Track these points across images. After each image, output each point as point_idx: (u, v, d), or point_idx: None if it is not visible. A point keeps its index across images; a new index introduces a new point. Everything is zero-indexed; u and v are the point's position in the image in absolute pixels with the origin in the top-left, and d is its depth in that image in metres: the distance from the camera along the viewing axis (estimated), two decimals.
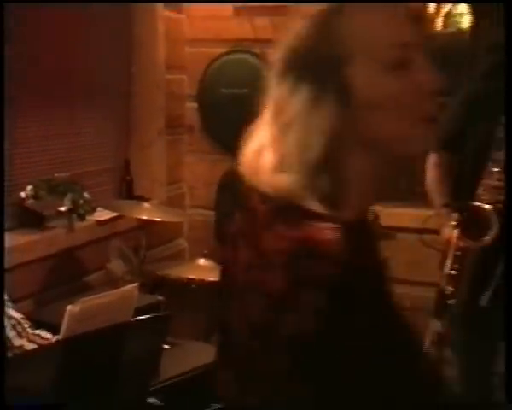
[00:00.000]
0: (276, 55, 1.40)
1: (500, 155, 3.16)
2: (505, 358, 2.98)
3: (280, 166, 1.36)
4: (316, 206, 1.34)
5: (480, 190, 3.18)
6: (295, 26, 1.40)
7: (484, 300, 3.10)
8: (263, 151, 1.40)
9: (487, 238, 3.07)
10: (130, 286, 2.93)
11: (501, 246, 3.06)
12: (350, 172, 1.38)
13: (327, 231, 1.30)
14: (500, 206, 3.11)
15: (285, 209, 1.35)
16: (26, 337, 2.83)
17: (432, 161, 3.58)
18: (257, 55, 5.10)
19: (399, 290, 4.63)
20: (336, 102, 1.33)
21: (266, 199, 1.38)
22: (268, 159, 1.38)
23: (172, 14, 5.10)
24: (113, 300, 2.77)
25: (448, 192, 3.46)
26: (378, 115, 1.35)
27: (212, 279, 3.98)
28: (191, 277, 4.05)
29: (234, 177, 1.70)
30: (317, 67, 1.34)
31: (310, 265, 1.28)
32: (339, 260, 1.28)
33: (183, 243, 5.23)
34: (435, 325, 3.00)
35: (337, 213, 1.35)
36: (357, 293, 1.29)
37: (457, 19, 6.32)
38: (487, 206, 3.12)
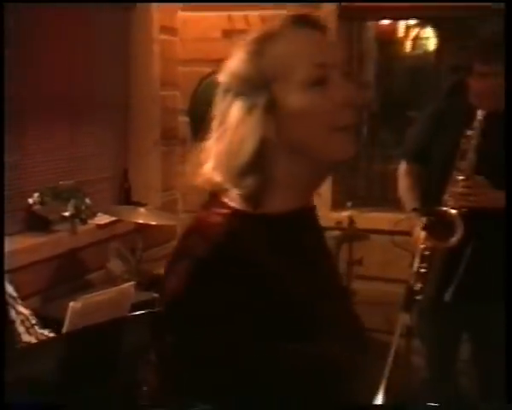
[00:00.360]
0: (221, 76, 1.52)
1: (464, 164, 3.17)
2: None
3: (216, 167, 1.48)
4: (233, 200, 1.47)
5: (446, 197, 3.18)
6: (236, 52, 1.52)
7: (448, 295, 3.11)
8: (208, 155, 1.51)
9: (453, 240, 3.07)
10: (127, 284, 2.93)
11: (464, 246, 3.07)
12: (278, 173, 1.47)
13: (216, 218, 1.45)
14: (464, 211, 3.12)
15: (211, 200, 1.50)
16: (34, 335, 2.82)
17: (403, 169, 3.59)
18: None
19: (373, 286, 4.67)
20: (265, 113, 1.44)
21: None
22: (210, 161, 1.50)
23: (166, 37, 5.10)
24: (112, 297, 2.77)
25: (418, 198, 3.47)
26: (300, 125, 1.45)
27: None
28: None
29: None
30: (250, 84, 1.46)
31: (192, 240, 1.43)
32: (214, 241, 1.40)
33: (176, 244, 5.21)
34: (404, 319, 3.00)
35: (259, 209, 1.46)
36: (225, 274, 1.38)
37: (424, 42, 6.34)
38: (453, 210, 3.12)
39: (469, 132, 3.18)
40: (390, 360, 2.97)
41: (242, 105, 1.46)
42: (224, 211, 1.46)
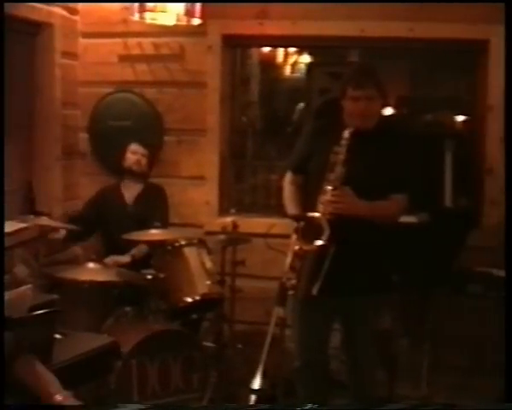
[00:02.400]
0: None
1: (332, 176, 3.23)
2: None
3: None
4: None
5: (318, 204, 3.24)
6: None
7: (315, 290, 3.16)
8: None
9: (319, 242, 3.12)
10: (23, 288, 2.88)
11: (328, 247, 3.12)
12: None
13: None
14: (332, 216, 3.17)
15: None
16: None
17: (287, 179, 3.64)
18: (137, 94, 5.10)
19: (255, 284, 4.70)
20: None
21: None
22: None
23: (68, 61, 5.05)
24: (10, 299, 2.72)
25: (299, 204, 3.52)
26: None
27: (99, 279, 3.95)
28: (83, 278, 3.97)
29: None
30: None
31: None
32: None
33: (77, 249, 5.14)
34: (278, 311, 3.04)
35: None
36: None
37: (301, 67, 6.45)
38: (320, 216, 3.17)
39: (337, 148, 3.25)
40: (266, 347, 3.02)
41: None
42: None
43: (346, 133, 3.26)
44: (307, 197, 3.46)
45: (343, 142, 3.25)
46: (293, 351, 3.62)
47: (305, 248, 3.14)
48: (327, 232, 3.12)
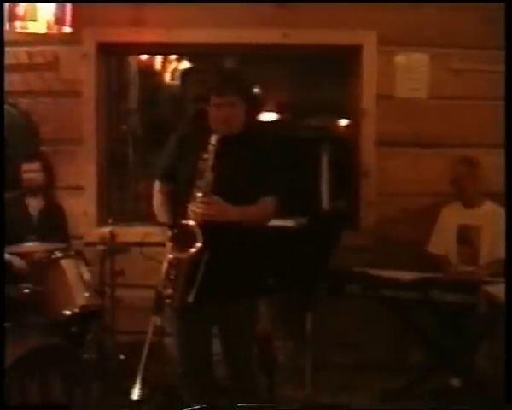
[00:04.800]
0: None
1: (201, 182, 3.27)
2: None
3: None
4: None
5: (189, 211, 3.27)
6: None
7: (190, 297, 3.19)
8: None
9: (192, 250, 3.16)
10: None
11: (202, 254, 3.17)
12: None
13: None
14: (203, 223, 3.21)
15: None
16: None
17: (156, 188, 3.67)
18: (12, 105, 5.04)
19: (136, 293, 4.67)
20: None
21: None
22: None
23: None
24: None
25: (169, 213, 3.54)
26: None
27: None
28: None
29: None
30: None
31: None
32: None
33: None
34: (155, 320, 3.07)
35: None
36: None
37: (180, 74, 6.47)
38: (192, 223, 3.21)
39: (205, 155, 3.30)
40: (143, 357, 3.05)
41: None
42: None
43: (213, 139, 3.30)
44: (179, 204, 3.48)
45: (210, 147, 3.29)
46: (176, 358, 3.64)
47: (179, 255, 3.18)
48: (200, 240, 3.17)
